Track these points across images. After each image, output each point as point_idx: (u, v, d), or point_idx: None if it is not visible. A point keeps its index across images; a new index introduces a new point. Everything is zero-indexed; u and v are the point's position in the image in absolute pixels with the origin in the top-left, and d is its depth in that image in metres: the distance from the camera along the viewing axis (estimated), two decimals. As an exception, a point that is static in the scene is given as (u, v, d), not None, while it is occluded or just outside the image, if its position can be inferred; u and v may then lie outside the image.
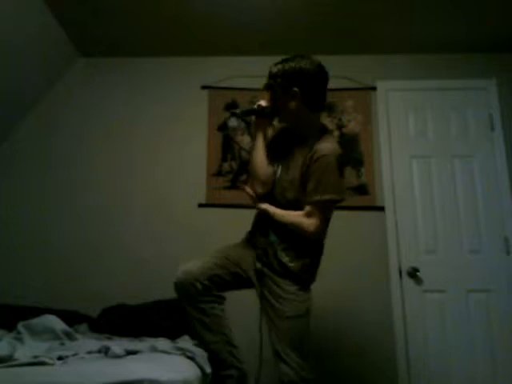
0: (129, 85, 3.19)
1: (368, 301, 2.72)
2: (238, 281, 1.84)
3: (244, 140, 3.04)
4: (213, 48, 3.09)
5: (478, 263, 2.76)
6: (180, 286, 1.78)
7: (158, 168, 3.03)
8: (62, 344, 1.73)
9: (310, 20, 2.77)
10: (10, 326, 1.97)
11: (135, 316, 2.41)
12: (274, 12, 2.70)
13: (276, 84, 1.79)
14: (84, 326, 2.40)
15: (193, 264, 1.81)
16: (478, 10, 2.65)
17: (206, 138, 3.06)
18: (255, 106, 1.87)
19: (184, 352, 1.67)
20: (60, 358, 1.48)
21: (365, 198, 2.89)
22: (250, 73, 3.04)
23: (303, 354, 1.72)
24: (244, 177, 2.93)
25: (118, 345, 1.69)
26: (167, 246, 2.85)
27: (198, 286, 1.76)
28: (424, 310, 2.71)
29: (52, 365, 1.41)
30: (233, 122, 3.09)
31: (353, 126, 3.02)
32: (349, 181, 2.90)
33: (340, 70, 3.02)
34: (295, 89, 1.74)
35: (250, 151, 1.91)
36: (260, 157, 1.85)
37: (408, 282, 2.75)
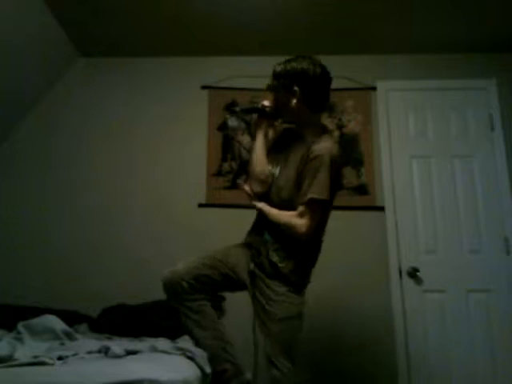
0: (129, 85, 3.19)
1: (368, 301, 2.72)
2: (229, 282, 1.83)
3: (244, 140, 3.04)
4: (213, 48, 3.09)
5: (478, 263, 2.76)
6: (167, 286, 1.80)
7: (158, 168, 3.03)
8: (62, 344, 1.73)
9: (309, 20, 2.77)
10: (10, 326, 1.97)
11: (135, 316, 2.41)
12: (274, 12, 2.70)
13: (278, 84, 1.81)
14: (84, 326, 2.40)
15: (181, 264, 1.82)
16: (477, 10, 2.65)
17: (206, 138, 3.06)
18: (259, 105, 1.88)
19: (184, 352, 1.67)
20: (60, 358, 1.47)
21: (365, 198, 2.89)
22: (250, 73, 3.04)
23: (293, 359, 1.71)
24: (244, 177, 2.93)
25: (118, 345, 1.68)
26: (167, 245, 2.85)
27: (184, 284, 1.76)
28: (424, 310, 2.71)
29: (52, 365, 1.40)
30: (233, 122, 3.09)
31: (353, 125, 3.02)
32: (349, 181, 2.91)
33: (340, 69, 3.00)
34: (296, 88, 1.75)
35: (250, 150, 1.91)
36: (259, 156, 1.86)
37: (408, 282, 2.75)
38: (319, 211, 1.70)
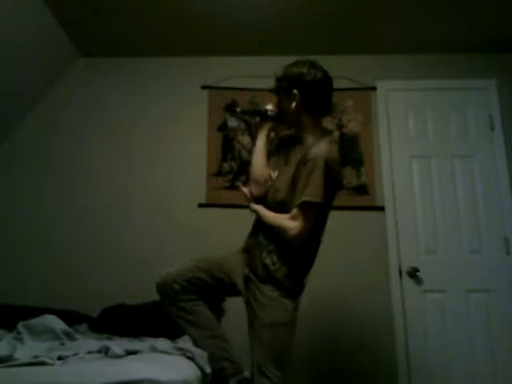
0: (129, 85, 3.19)
1: (368, 300, 2.72)
2: (223, 287, 1.82)
3: (244, 140, 3.04)
4: (213, 48, 3.09)
5: (478, 263, 2.76)
6: (159, 287, 1.80)
7: (158, 168, 3.03)
8: (62, 344, 1.73)
9: (310, 20, 2.77)
10: (10, 326, 1.97)
11: (135, 316, 2.41)
12: (274, 12, 2.70)
13: (280, 87, 1.82)
14: (84, 326, 2.40)
15: (175, 266, 1.83)
16: (477, 10, 2.65)
17: (206, 138, 3.06)
18: (261, 109, 1.89)
19: (184, 352, 1.67)
20: (60, 358, 1.47)
21: (365, 198, 2.89)
22: (250, 73, 3.04)
23: (283, 367, 1.66)
24: (244, 177, 2.93)
25: (118, 345, 1.68)
26: (167, 245, 2.85)
27: (176, 286, 1.77)
28: (424, 310, 2.71)
29: (52, 365, 1.40)
30: (233, 122, 3.09)
31: (353, 125, 3.02)
32: (349, 181, 2.91)
33: (340, 69, 3.01)
34: (295, 91, 1.76)
35: (251, 153, 1.92)
36: (259, 159, 1.86)
37: (408, 282, 2.75)
38: (312, 214, 1.66)
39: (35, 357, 1.45)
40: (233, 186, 2.94)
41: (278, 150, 1.93)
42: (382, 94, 3.06)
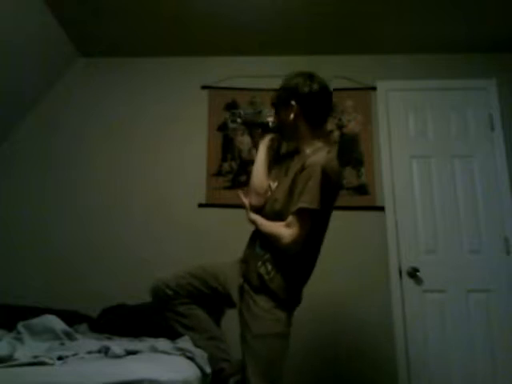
0: (129, 85, 3.20)
1: (368, 301, 2.72)
2: (217, 296, 1.81)
3: (244, 140, 3.04)
4: (213, 48, 3.09)
5: (478, 263, 2.76)
6: (152, 293, 1.81)
7: (158, 168, 3.03)
8: (62, 344, 1.73)
9: (310, 20, 2.77)
10: (10, 326, 1.96)
11: (135, 316, 2.41)
12: (274, 12, 2.70)
13: (278, 99, 1.85)
14: (84, 326, 2.40)
15: (168, 273, 1.84)
16: (478, 10, 2.65)
17: (206, 138, 3.06)
18: (264, 121, 1.93)
19: (184, 352, 1.67)
20: (60, 358, 1.47)
21: (365, 198, 2.89)
22: (250, 73, 3.04)
23: (272, 380, 1.64)
24: (244, 177, 2.93)
25: (118, 345, 1.68)
26: (167, 245, 2.85)
27: (168, 292, 1.77)
28: (424, 309, 2.71)
29: (52, 365, 1.40)
30: (233, 123, 3.09)
31: (353, 125, 3.02)
32: (349, 181, 2.91)
33: (340, 70, 3.03)
34: (293, 102, 1.77)
35: (250, 155, 1.95)
36: (259, 169, 1.88)
37: (408, 282, 2.75)
38: (308, 221, 1.63)
39: (35, 357, 1.45)
40: (233, 186, 2.94)
41: (280, 161, 1.94)
42: (382, 94, 3.06)
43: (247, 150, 3.02)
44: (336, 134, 3.00)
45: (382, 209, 2.87)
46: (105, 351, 1.59)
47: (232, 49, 3.08)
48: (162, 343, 1.85)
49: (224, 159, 3.02)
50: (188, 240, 2.85)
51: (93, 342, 1.80)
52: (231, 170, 3.00)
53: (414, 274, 2.75)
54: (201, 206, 2.93)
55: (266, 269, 1.69)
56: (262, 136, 1.95)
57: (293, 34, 2.91)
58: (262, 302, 1.67)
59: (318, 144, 1.80)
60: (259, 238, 1.78)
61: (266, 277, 1.68)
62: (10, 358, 1.41)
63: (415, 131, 3.01)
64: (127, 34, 2.98)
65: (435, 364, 2.63)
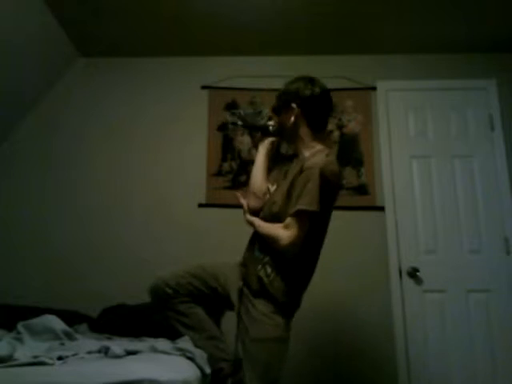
0: (129, 85, 3.20)
1: (368, 301, 2.72)
2: (216, 297, 1.81)
3: (244, 140, 3.04)
4: (213, 48, 3.09)
5: (478, 263, 2.76)
6: (152, 292, 1.81)
7: (158, 168, 3.03)
8: (62, 344, 1.73)
9: (310, 20, 2.77)
10: (10, 326, 1.96)
11: (135, 316, 2.41)
12: (274, 12, 2.70)
13: (279, 104, 1.86)
14: (84, 326, 2.40)
15: (167, 272, 1.83)
16: (478, 10, 2.65)
17: (206, 138, 3.06)
18: (264, 124, 1.97)
19: (184, 352, 1.67)
20: (60, 358, 1.47)
21: (365, 198, 2.89)
22: (250, 73, 3.04)
23: (265, 382, 1.63)
24: (244, 177, 2.93)
25: (117, 345, 1.68)
26: (167, 245, 2.85)
27: (168, 290, 1.77)
28: (424, 309, 2.71)
29: (52, 365, 1.40)
30: (233, 125, 3.09)
31: (353, 126, 3.02)
32: (349, 181, 2.91)
33: (340, 70, 3.03)
34: (293, 105, 1.78)
35: (250, 157, 1.98)
36: (258, 172, 1.91)
37: (408, 282, 2.75)
38: (306, 223, 1.63)
39: (35, 357, 1.45)
40: (233, 186, 2.94)
41: (279, 164, 1.95)
42: (382, 94, 3.06)
43: (247, 150, 3.02)
44: (336, 134, 3.00)
45: (382, 209, 2.87)
46: (105, 351, 1.59)
47: (232, 49, 3.08)
48: (162, 343, 1.85)
49: (224, 159, 3.02)
50: (188, 240, 2.85)
51: (93, 342, 1.80)
52: (231, 170, 3.00)
53: (413, 274, 2.75)
54: (201, 206, 2.93)
55: (265, 272, 1.69)
56: (261, 139, 1.97)
57: (293, 34, 2.91)
58: (261, 306, 1.67)
59: (318, 147, 1.80)
60: (258, 240, 1.78)
61: (266, 279, 1.68)
62: (9, 358, 1.41)
63: (415, 131, 3.01)
64: (127, 34, 2.98)
65: (435, 364, 2.63)
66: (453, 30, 2.85)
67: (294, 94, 1.80)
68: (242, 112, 3.06)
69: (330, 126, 2.99)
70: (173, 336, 2.07)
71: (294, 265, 1.70)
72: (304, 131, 1.80)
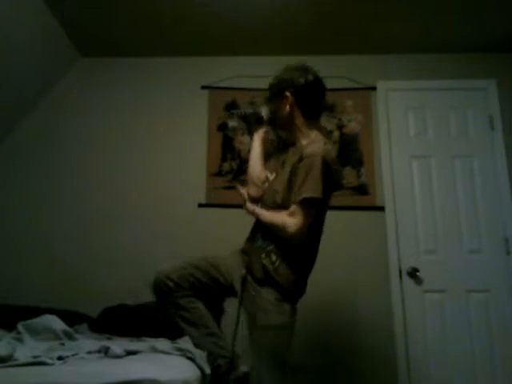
0: (129, 85, 3.20)
1: (368, 301, 2.72)
2: (218, 287, 1.81)
3: (244, 140, 3.04)
4: (213, 48, 3.09)
5: (478, 263, 2.76)
6: (154, 285, 1.79)
7: (158, 168, 3.03)
8: (62, 344, 1.73)
9: (309, 20, 2.77)
10: (10, 326, 1.96)
11: (135, 316, 2.41)
12: (274, 12, 2.70)
13: (273, 94, 1.87)
14: (84, 326, 2.40)
15: (168, 264, 1.83)
16: (477, 10, 2.65)
17: (206, 138, 3.06)
18: (259, 114, 1.96)
19: (184, 353, 1.67)
20: (60, 358, 1.47)
21: (365, 198, 2.89)
22: (250, 73, 3.04)
23: (278, 370, 1.66)
24: (244, 177, 2.93)
25: (117, 345, 1.68)
26: (167, 246, 2.85)
27: (170, 283, 1.75)
28: (424, 310, 2.71)
29: (52, 365, 1.40)
30: (233, 122, 3.09)
31: (353, 126, 3.02)
32: (349, 181, 2.91)
33: (340, 70, 3.03)
34: (287, 94, 1.79)
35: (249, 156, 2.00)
36: (255, 160, 1.93)
37: (408, 282, 2.75)
38: (312, 210, 1.66)
39: (35, 357, 1.45)
40: (233, 186, 2.94)
41: (276, 153, 1.96)
42: (382, 94, 3.06)
43: (247, 149, 3.01)
44: (336, 134, 3.00)
45: (382, 209, 2.87)
46: (105, 351, 1.59)
47: (232, 49, 3.08)
48: (162, 343, 1.85)
49: (224, 159, 3.02)
50: (188, 240, 2.85)
51: (93, 342, 1.80)
52: (231, 170, 3.00)
53: (413, 274, 2.75)
54: (201, 206, 2.93)
55: (270, 260, 1.70)
56: (256, 128, 1.99)
57: (293, 33, 2.91)
58: (267, 295, 1.69)
59: (313, 135, 1.82)
60: (260, 229, 1.78)
61: (271, 267, 1.69)
62: (9, 358, 1.41)
63: (415, 131, 3.01)
64: (127, 34, 2.98)
65: (435, 364, 2.63)
66: (453, 30, 2.85)
67: (289, 83, 1.80)
68: (243, 111, 3.06)
69: (330, 126, 3.00)
70: (173, 336, 2.07)
71: (298, 252, 1.72)
72: (299, 119, 1.82)
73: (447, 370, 2.61)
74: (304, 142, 1.80)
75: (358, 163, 2.95)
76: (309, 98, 1.81)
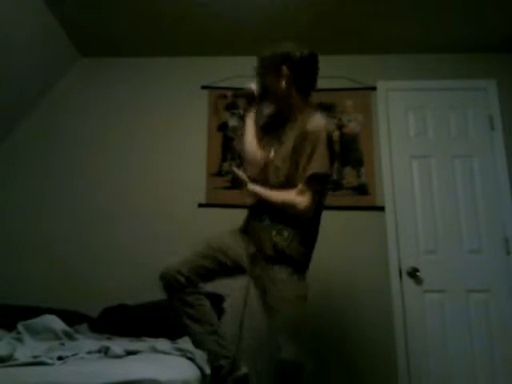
0: (129, 85, 3.19)
1: (368, 301, 2.72)
2: (225, 269, 1.83)
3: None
4: (213, 48, 3.09)
5: (478, 263, 2.76)
6: (163, 280, 1.79)
7: (158, 168, 3.03)
8: (62, 344, 1.73)
9: (309, 20, 2.77)
10: (10, 326, 1.97)
11: (135, 316, 2.41)
12: (274, 12, 2.70)
13: (266, 67, 1.86)
14: (84, 326, 2.40)
15: (177, 258, 1.83)
16: (478, 10, 2.65)
17: (206, 137, 3.06)
18: (249, 90, 1.93)
19: (184, 353, 1.67)
20: (60, 358, 1.47)
21: (365, 198, 2.89)
22: (250, 73, 3.03)
23: (300, 341, 1.70)
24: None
25: (117, 345, 1.68)
26: (167, 245, 2.84)
27: (180, 278, 1.75)
28: (424, 310, 2.71)
29: (52, 365, 1.40)
30: (233, 122, 3.09)
31: (353, 126, 3.02)
32: (349, 181, 2.91)
33: (340, 70, 3.02)
34: (284, 69, 1.80)
35: (241, 136, 2.00)
36: (251, 141, 1.93)
37: (408, 282, 2.75)
38: (320, 186, 1.72)
39: (35, 357, 1.45)
40: (233, 186, 2.94)
41: (268, 128, 1.95)
42: (382, 94, 3.06)
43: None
44: (336, 134, 2.99)
45: (382, 209, 2.87)
46: (105, 351, 1.59)
47: (232, 49, 3.08)
48: (162, 343, 1.85)
49: (224, 159, 3.02)
50: (188, 240, 2.82)
51: (93, 342, 1.80)
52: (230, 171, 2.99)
53: (413, 274, 2.75)
54: (201, 206, 2.93)
55: (282, 236, 1.74)
56: (247, 106, 1.96)
57: (293, 33, 2.89)
58: (280, 270, 1.72)
59: (308, 109, 1.83)
60: (267, 209, 1.79)
61: (284, 243, 1.73)
62: (9, 358, 1.41)
63: (415, 131, 3.00)
64: (127, 34, 2.98)
65: (435, 364, 2.63)
66: (453, 30, 2.85)
67: (285, 57, 1.81)
68: (241, 112, 3.06)
69: (330, 126, 3.00)
70: (173, 336, 2.08)
71: (306, 226, 1.77)
72: (294, 94, 1.83)
73: (447, 369, 2.61)
74: (302, 116, 1.81)
75: (358, 163, 2.95)
76: (304, 73, 1.82)
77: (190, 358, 1.64)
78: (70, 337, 1.84)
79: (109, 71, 3.23)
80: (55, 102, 3.17)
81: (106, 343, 1.71)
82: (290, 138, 1.78)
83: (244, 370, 1.78)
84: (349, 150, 2.96)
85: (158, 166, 3.04)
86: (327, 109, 2.99)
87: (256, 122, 1.96)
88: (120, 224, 2.93)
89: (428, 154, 2.95)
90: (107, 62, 3.24)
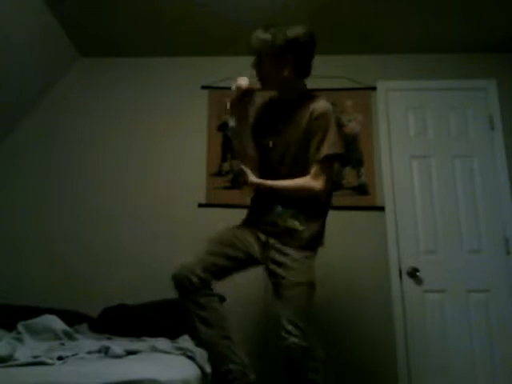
0: (129, 85, 3.19)
1: (368, 301, 2.72)
2: (237, 263, 1.85)
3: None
4: (213, 48, 3.09)
5: (478, 263, 2.76)
6: (176, 281, 1.77)
7: (158, 168, 3.03)
8: (62, 344, 1.73)
9: (309, 20, 2.75)
10: (10, 326, 1.97)
11: (135, 316, 2.41)
12: (274, 11, 2.70)
13: (267, 52, 1.82)
14: (84, 326, 2.40)
15: (190, 258, 1.82)
16: (478, 10, 2.65)
17: (206, 138, 3.06)
18: (233, 87, 1.95)
19: (184, 352, 1.67)
20: (60, 358, 1.48)
21: (365, 198, 2.89)
22: (250, 73, 3.04)
23: (309, 321, 1.73)
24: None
25: (117, 345, 1.69)
26: (167, 245, 2.85)
27: (194, 279, 1.73)
28: (424, 310, 2.71)
29: (52, 365, 1.41)
30: (233, 122, 3.08)
31: (353, 126, 3.02)
32: (349, 181, 2.91)
33: (340, 70, 3.02)
34: (289, 55, 1.79)
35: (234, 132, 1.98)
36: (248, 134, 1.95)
37: (408, 282, 2.75)
38: (333, 167, 1.79)
39: (35, 357, 1.45)
40: (233, 186, 2.94)
41: (262, 117, 1.97)
42: (382, 94, 3.06)
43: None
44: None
45: (382, 209, 2.87)
46: (105, 351, 1.59)
47: (232, 49, 3.08)
48: (162, 343, 1.85)
49: (224, 159, 3.02)
50: (188, 240, 2.83)
51: (93, 342, 1.81)
52: (231, 170, 3.00)
53: (413, 274, 2.75)
54: (201, 206, 2.93)
55: (298, 221, 1.77)
56: (233, 103, 1.97)
57: (293, 33, 2.91)
58: (295, 254, 1.76)
59: (307, 92, 1.87)
60: (275, 199, 1.81)
61: (300, 228, 1.77)
62: (9, 358, 1.41)
63: (415, 131, 3.00)
64: (127, 34, 2.98)
65: (435, 363, 2.62)
66: (453, 30, 2.85)
67: (289, 44, 1.77)
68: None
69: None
70: (173, 336, 2.08)
71: (319, 207, 1.82)
72: (294, 78, 1.84)
73: (447, 370, 2.61)
74: (306, 99, 1.83)
75: (358, 163, 2.95)
76: (305, 58, 1.84)
77: (190, 357, 1.65)
78: (70, 337, 1.84)
79: (109, 71, 3.23)
80: (55, 102, 3.17)
81: (105, 343, 1.71)
82: (295, 123, 1.80)
83: (252, 377, 1.77)
84: (349, 150, 2.96)
85: (158, 166, 3.04)
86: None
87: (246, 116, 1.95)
88: (120, 224, 2.93)
89: (428, 154, 2.95)
90: (107, 62, 3.24)
